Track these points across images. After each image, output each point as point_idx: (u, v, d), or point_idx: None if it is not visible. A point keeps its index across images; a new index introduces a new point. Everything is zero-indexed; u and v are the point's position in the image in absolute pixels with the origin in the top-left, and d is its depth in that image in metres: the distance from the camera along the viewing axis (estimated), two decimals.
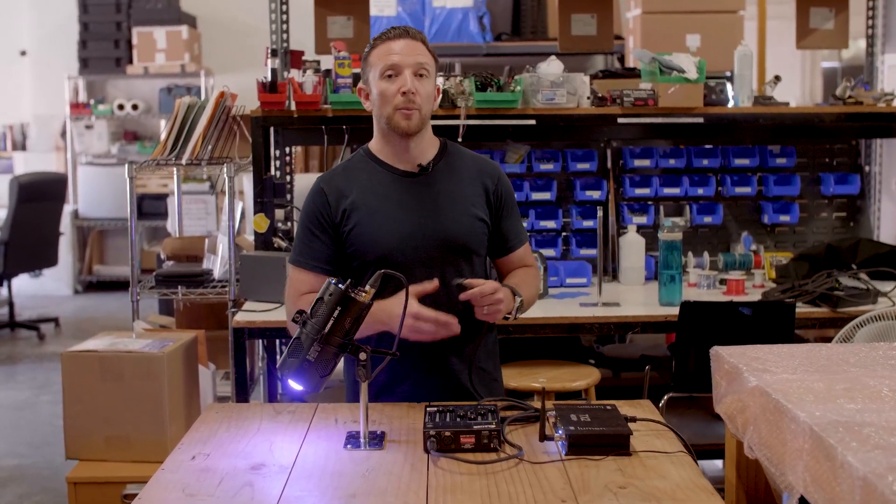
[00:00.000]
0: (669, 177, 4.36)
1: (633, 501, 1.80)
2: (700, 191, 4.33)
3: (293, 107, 3.90)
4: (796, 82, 9.03)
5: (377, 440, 2.10)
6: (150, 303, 5.45)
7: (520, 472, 1.95)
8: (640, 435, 2.12)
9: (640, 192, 4.32)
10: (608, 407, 2.19)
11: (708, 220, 4.34)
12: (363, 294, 2.06)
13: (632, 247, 4.09)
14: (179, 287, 3.95)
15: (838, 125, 4.35)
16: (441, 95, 3.14)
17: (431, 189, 2.45)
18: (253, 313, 3.57)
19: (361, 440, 2.09)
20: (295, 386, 2.08)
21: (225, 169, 3.83)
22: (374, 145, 2.50)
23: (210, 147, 3.92)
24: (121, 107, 8.80)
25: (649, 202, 4.35)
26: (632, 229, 4.12)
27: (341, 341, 2.05)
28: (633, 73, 4.40)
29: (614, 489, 1.85)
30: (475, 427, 2.05)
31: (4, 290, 7.45)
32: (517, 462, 1.99)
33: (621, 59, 6.41)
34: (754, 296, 3.76)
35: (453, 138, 3.10)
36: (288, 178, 4.56)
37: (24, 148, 9.14)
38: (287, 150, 4.57)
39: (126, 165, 3.82)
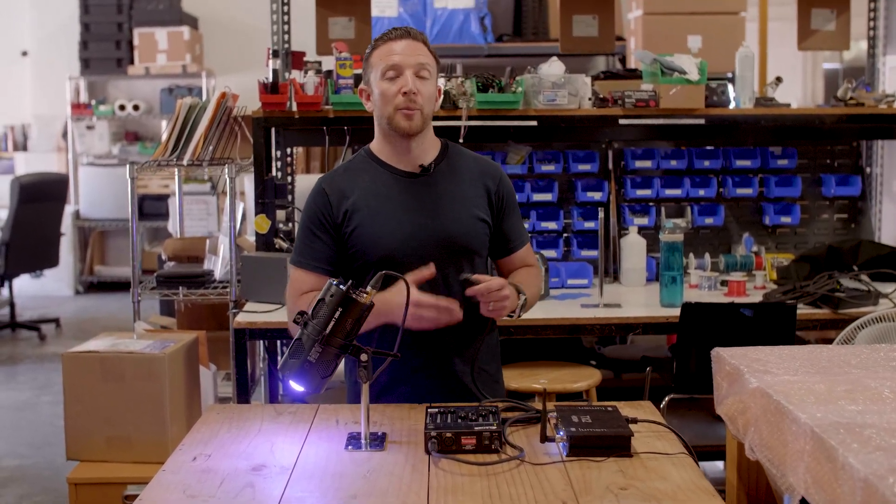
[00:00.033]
0: (671, 178, 4.36)
1: (634, 503, 1.80)
2: (701, 192, 4.33)
3: (294, 108, 3.90)
4: (797, 84, 9.04)
5: (378, 441, 2.10)
6: (151, 303, 5.45)
7: (521, 473, 1.95)
8: (641, 436, 2.12)
9: (641, 193, 4.32)
10: (609, 408, 2.19)
11: (709, 221, 4.34)
12: (364, 295, 2.06)
13: (633, 248, 4.09)
14: (180, 288, 3.95)
15: (839, 126, 4.35)
16: (442, 96, 3.14)
17: (433, 190, 2.45)
18: (254, 314, 3.57)
19: (362, 441, 2.09)
20: (296, 387, 2.08)
21: (226, 170, 3.83)
22: (376, 146, 2.50)
23: (211, 148, 3.92)
24: (122, 107, 8.81)
25: (650, 203, 4.35)
26: (633, 230, 4.12)
27: (342, 342, 2.05)
28: (635, 75, 4.40)
29: (615, 490, 1.85)
30: (476, 428, 2.05)
31: (5, 291, 7.46)
32: (518, 463, 1.99)
33: (623, 61, 6.41)
34: (755, 297, 3.76)
35: (455, 139, 3.10)
36: (289, 178, 4.56)
37: (25, 148, 9.15)
38: (288, 150, 4.58)
39: (127, 166, 3.82)
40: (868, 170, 4.68)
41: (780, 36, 6.62)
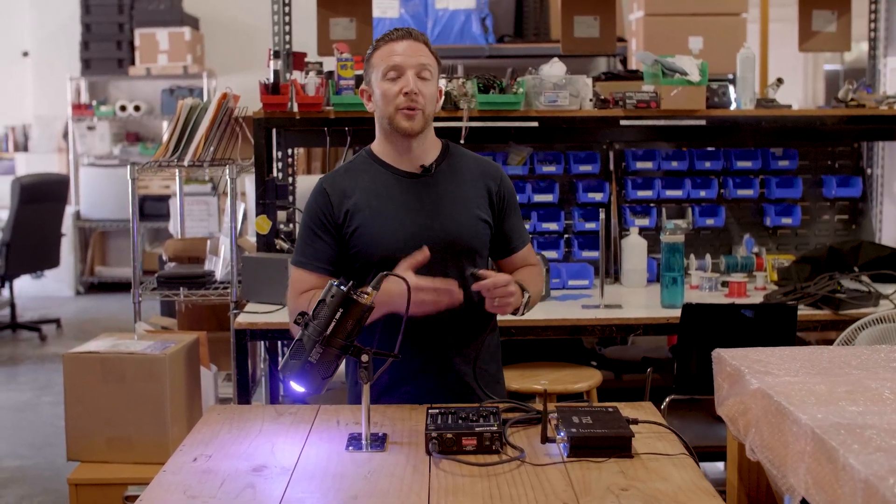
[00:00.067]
0: (671, 179, 4.36)
1: (635, 503, 1.81)
2: (702, 193, 4.33)
3: (295, 108, 3.90)
4: (798, 85, 9.05)
5: (379, 442, 2.10)
6: (152, 304, 5.45)
7: (521, 474, 1.95)
8: (642, 437, 2.12)
9: (642, 194, 4.32)
10: (610, 409, 2.19)
11: (710, 222, 4.34)
12: (365, 296, 2.06)
13: (634, 249, 4.09)
14: (181, 288, 3.95)
15: (840, 128, 4.35)
16: (443, 97, 3.13)
17: (434, 190, 2.45)
18: (255, 315, 3.57)
19: (363, 442, 2.09)
20: (297, 388, 2.08)
21: (227, 170, 3.83)
22: (377, 146, 2.50)
23: (212, 148, 3.92)
24: (123, 108, 8.81)
25: (651, 204, 4.35)
26: (634, 231, 4.12)
27: (343, 343, 2.05)
28: (636, 76, 4.41)
29: (616, 491, 1.85)
30: (477, 429, 2.05)
31: (6, 292, 7.46)
32: (519, 464, 1.99)
33: (624, 62, 6.41)
34: (756, 298, 3.76)
35: (456, 140, 3.10)
36: (290, 179, 4.56)
37: (25, 149, 9.15)
38: (289, 151, 4.58)
39: (128, 167, 3.82)
40: (869, 171, 4.68)
41: (781, 37, 6.63)
